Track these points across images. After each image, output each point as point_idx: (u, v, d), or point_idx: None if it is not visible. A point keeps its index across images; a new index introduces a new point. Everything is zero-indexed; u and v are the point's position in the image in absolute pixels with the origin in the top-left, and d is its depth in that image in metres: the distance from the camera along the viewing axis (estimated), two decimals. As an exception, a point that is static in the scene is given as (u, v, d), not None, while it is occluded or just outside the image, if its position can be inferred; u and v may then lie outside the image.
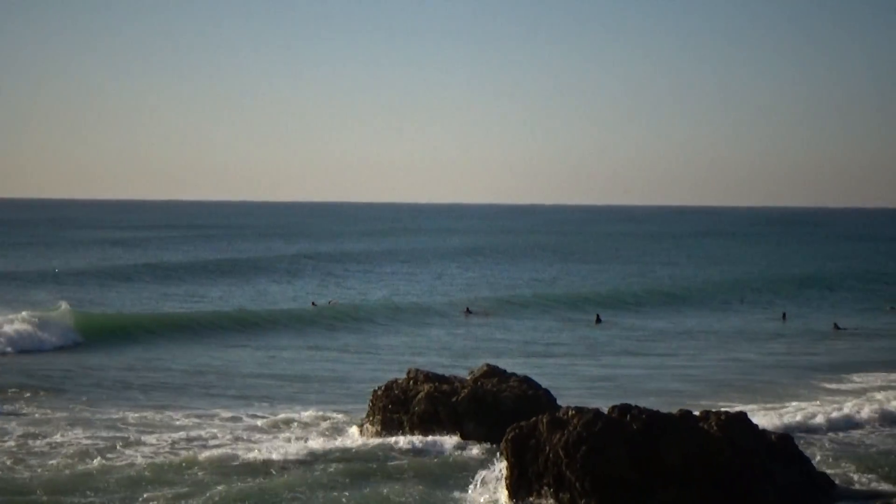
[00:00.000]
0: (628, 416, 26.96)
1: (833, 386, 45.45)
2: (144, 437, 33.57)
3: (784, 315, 69.24)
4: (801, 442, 31.05)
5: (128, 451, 31.73)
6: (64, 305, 61.60)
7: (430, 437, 33.25)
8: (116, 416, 37.09)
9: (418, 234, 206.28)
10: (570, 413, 27.29)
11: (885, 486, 28.22)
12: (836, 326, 67.47)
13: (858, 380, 47.04)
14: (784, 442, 28.14)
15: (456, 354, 54.56)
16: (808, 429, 36.15)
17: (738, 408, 37.86)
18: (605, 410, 27.33)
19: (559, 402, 33.32)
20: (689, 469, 26.39)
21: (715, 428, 27.13)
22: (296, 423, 36.16)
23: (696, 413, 27.79)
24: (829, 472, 28.54)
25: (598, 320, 71.93)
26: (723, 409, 28.14)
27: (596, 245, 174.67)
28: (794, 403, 40.26)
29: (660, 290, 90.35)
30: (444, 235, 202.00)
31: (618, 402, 27.88)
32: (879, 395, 41.98)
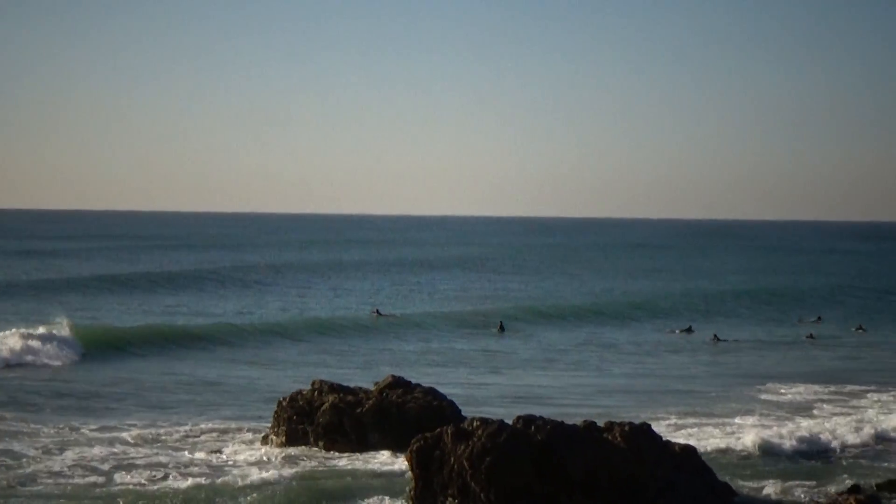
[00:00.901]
0: (533, 427, 27.00)
1: (766, 397, 46.01)
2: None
3: (715, 335, 69.72)
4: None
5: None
6: (65, 321, 60.71)
7: (334, 449, 33.09)
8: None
9: (370, 246, 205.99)
10: (474, 424, 27.27)
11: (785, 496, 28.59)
12: (716, 338, 68.28)
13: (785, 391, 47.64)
14: (688, 452, 28.33)
15: (361, 365, 54.40)
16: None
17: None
18: (510, 421, 27.33)
19: (464, 412, 33.28)
20: (594, 480, 26.49)
21: (619, 439, 27.26)
22: (201, 436, 35.77)
23: (601, 424, 27.89)
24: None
25: (502, 328, 72.38)
26: (626, 420, 28.23)
27: (516, 257, 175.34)
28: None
29: (569, 302, 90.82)
30: (394, 247, 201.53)
31: (523, 413, 27.90)
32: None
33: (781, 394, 46.86)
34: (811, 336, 70.98)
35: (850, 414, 41.09)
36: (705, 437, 35.64)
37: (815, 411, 42.19)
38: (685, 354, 62.29)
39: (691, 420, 39.50)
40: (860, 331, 75.30)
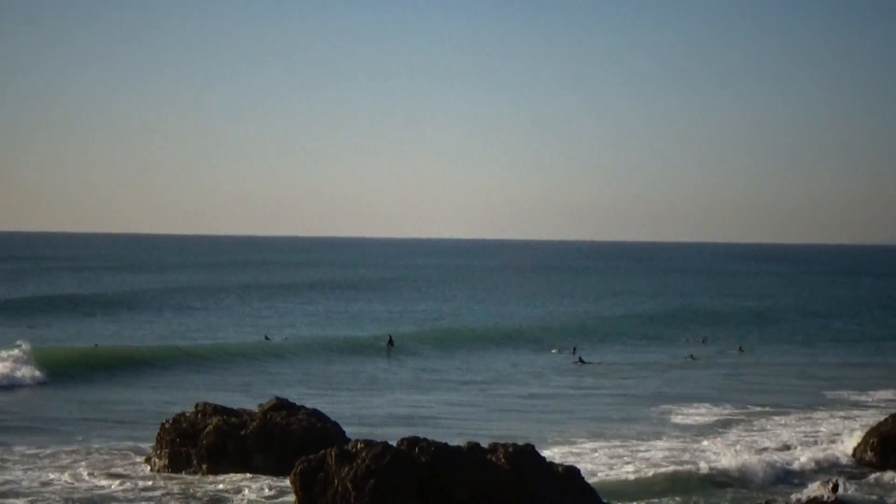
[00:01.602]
0: (417, 449, 27.04)
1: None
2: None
3: (580, 358, 70.20)
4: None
5: None
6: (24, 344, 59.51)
7: (218, 472, 32.85)
8: None
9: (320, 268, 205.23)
10: (358, 446, 27.24)
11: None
12: (581, 360, 68.95)
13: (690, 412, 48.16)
14: (571, 474, 28.53)
15: (243, 388, 54.12)
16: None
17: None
18: (395, 443, 27.36)
19: (349, 434, 33.24)
20: (478, 501, 26.57)
21: (503, 460, 27.38)
22: (89, 457, 35.33)
23: (485, 445, 28.01)
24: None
25: (391, 342, 72.87)
26: (511, 442, 28.36)
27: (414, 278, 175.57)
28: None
29: (463, 324, 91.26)
30: (301, 269, 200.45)
31: (407, 435, 27.95)
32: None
33: (685, 415, 47.30)
34: (691, 357, 71.95)
35: (757, 438, 41.63)
36: (628, 460, 36.04)
37: (727, 433, 42.53)
38: (570, 376, 62.83)
39: (601, 443, 39.58)
40: (740, 352, 76.49)
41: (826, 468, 35.78)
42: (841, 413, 48.28)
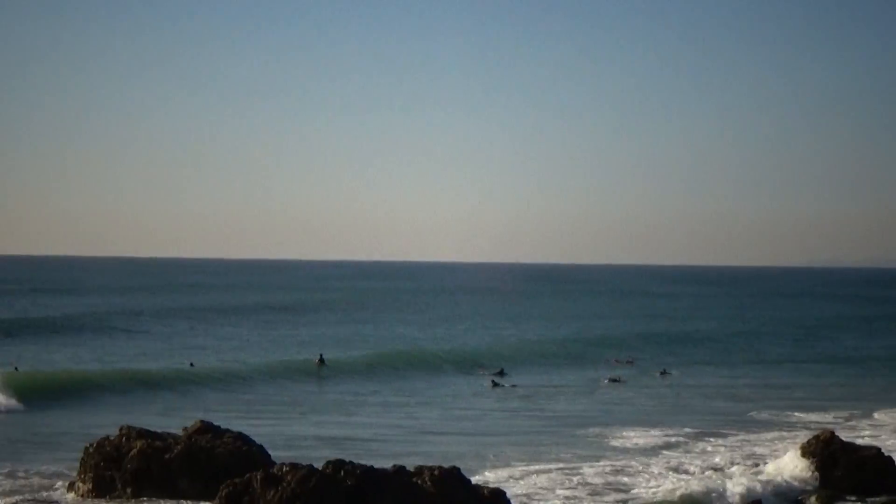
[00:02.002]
0: (342, 472, 27.14)
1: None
2: None
3: (493, 380, 70.40)
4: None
5: None
6: None
7: (142, 496, 32.70)
8: None
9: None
10: (284, 469, 27.29)
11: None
12: (494, 384, 69.13)
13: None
14: (497, 496, 28.73)
15: (170, 412, 53.85)
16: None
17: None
18: (320, 466, 27.41)
19: (274, 457, 33.17)
20: (403, 524, 26.70)
21: (429, 483, 27.54)
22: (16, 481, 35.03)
23: (411, 468, 28.13)
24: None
25: (321, 361, 72.94)
26: (436, 465, 28.51)
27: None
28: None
29: (389, 346, 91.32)
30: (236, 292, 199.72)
31: (333, 457, 28.00)
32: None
33: (623, 438, 47.49)
34: (611, 379, 72.41)
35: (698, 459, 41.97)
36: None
37: (671, 456, 42.74)
38: (495, 398, 63.07)
39: (539, 466, 39.58)
40: (663, 374, 77.08)
41: (763, 490, 36.15)
42: (771, 434, 48.79)
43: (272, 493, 26.74)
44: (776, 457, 40.72)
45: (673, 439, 47.13)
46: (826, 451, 37.74)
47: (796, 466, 37.88)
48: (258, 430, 42.79)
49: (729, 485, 36.31)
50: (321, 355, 75.54)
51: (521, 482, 36.37)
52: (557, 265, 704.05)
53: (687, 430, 49.85)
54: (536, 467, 39.32)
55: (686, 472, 39.06)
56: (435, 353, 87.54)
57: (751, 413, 56.39)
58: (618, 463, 40.80)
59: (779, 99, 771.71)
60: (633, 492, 35.29)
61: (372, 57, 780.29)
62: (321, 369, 72.62)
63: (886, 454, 38.56)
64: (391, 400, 61.44)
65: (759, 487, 36.22)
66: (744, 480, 36.89)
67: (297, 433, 47.84)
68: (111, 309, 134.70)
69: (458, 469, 28.29)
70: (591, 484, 36.49)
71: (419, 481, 27.50)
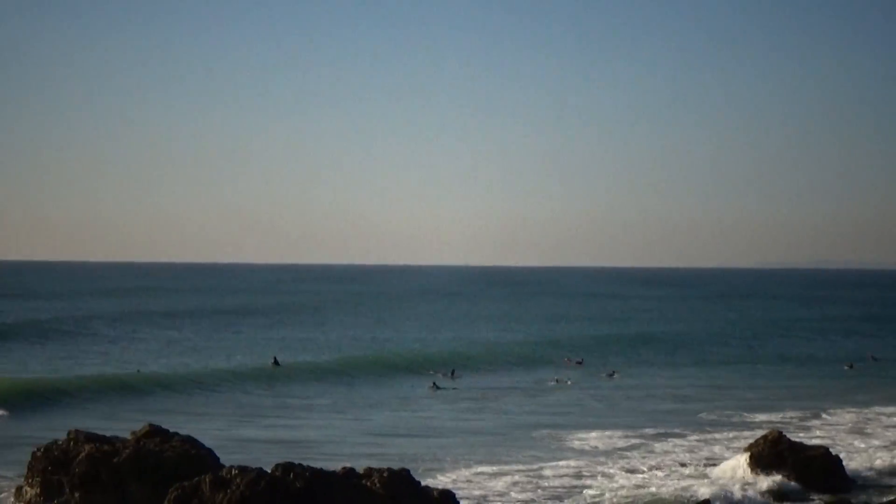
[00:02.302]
0: (291, 475, 27.12)
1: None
2: None
3: (434, 383, 70.41)
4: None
5: None
6: None
7: (91, 500, 32.51)
8: None
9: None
10: (233, 472, 27.25)
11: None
12: (435, 386, 68.69)
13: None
14: (446, 498, 28.79)
15: (118, 416, 53.58)
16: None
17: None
18: (269, 469, 27.38)
19: (224, 461, 33.05)
20: (353, 526, 26.72)
21: (378, 485, 27.57)
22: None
23: (360, 470, 28.16)
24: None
25: (276, 363, 73.02)
26: (386, 467, 28.55)
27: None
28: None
29: (342, 352, 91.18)
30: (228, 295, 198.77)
31: (282, 461, 27.97)
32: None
33: (579, 440, 47.62)
34: (557, 381, 72.61)
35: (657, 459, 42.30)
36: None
37: (626, 459, 42.82)
38: (442, 401, 63.10)
39: (490, 469, 39.59)
40: (611, 376, 77.34)
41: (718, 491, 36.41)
42: (721, 435, 49.06)
43: (221, 496, 26.69)
44: (726, 458, 41.08)
45: (627, 441, 47.27)
46: (774, 451, 38.10)
47: (744, 467, 38.21)
48: (208, 433, 42.68)
49: (684, 486, 36.62)
50: (275, 358, 75.50)
51: (479, 485, 36.54)
52: (513, 268, 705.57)
53: (641, 431, 50.04)
54: (493, 469, 39.45)
55: (642, 473, 39.20)
56: (388, 356, 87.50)
57: (701, 414, 56.68)
58: (574, 464, 40.98)
59: (723, 103, 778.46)
60: (590, 493, 35.45)
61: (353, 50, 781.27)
62: (275, 371, 72.46)
63: (834, 453, 39.00)
64: (343, 403, 61.43)
65: (710, 490, 36.51)
66: (699, 483, 37.22)
67: (248, 436, 47.75)
68: (59, 314, 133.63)
69: (408, 471, 28.35)
70: (550, 487, 36.60)
71: (368, 483, 27.53)
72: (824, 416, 56.12)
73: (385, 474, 27.78)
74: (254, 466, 27.53)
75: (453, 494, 28.92)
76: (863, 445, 46.14)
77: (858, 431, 50.66)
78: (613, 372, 79.00)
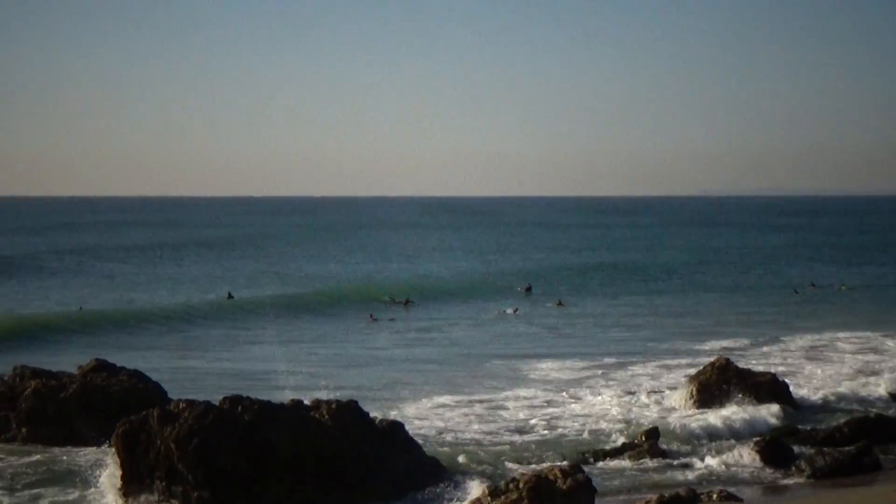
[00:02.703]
0: (239, 407, 27.10)
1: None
2: None
3: (371, 314, 70.60)
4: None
5: None
6: None
7: (38, 436, 32.45)
8: None
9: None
10: (181, 406, 27.19)
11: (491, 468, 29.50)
12: (372, 317, 69.32)
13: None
14: (394, 429, 28.88)
15: (63, 352, 53.32)
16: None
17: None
18: (217, 402, 27.35)
19: (171, 395, 33.03)
20: (302, 459, 26.77)
21: (326, 417, 27.61)
22: None
23: (308, 402, 28.18)
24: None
25: (230, 296, 72.81)
26: (334, 398, 28.59)
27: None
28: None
29: (296, 288, 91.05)
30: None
31: (230, 394, 27.93)
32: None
33: (536, 369, 47.85)
34: (506, 311, 72.98)
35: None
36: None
37: (589, 387, 43.01)
38: (392, 332, 63.20)
39: (452, 400, 39.74)
40: (559, 305, 77.77)
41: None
42: (672, 362, 49.43)
43: (169, 430, 26.63)
44: (674, 386, 41.43)
45: (580, 372, 47.27)
46: (721, 378, 38.43)
47: (691, 394, 38.55)
48: (156, 368, 42.60)
49: (633, 415, 36.94)
50: (229, 292, 75.16)
51: (440, 416, 36.80)
52: (464, 198, 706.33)
53: (594, 360, 50.13)
54: (452, 400, 39.59)
55: (593, 404, 39.40)
56: (336, 289, 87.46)
57: (650, 343, 56.89)
58: (531, 394, 41.21)
59: (677, 34, 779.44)
60: (543, 424, 35.73)
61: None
62: (227, 305, 72.10)
63: (781, 379, 39.39)
64: (293, 335, 61.34)
65: (657, 419, 36.80)
66: (646, 412, 37.54)
67: (197, 370, 47.68)
68: (4, 251, 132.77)
69: (356, 402, 28.39)
70: (511, 419, 36.80)
71: (317, 415, 27.56)
72: (771, 344, 56.44)
73: (333, 406, 27.81)
74: (199, 400, 27.48)
75: (402, 425, 29.02)
76: (812, 371, 46.60)
77: (809, 358, 51.09)
78: (561, 301, 79.11)
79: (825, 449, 31.28)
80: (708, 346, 55.34)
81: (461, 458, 30.03)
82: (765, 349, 54.24)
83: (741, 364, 40.99)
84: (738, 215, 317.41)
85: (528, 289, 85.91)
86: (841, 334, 58.67)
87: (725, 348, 53.61)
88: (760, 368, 42.54)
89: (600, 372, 47.15)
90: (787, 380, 40.10)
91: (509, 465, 30.04)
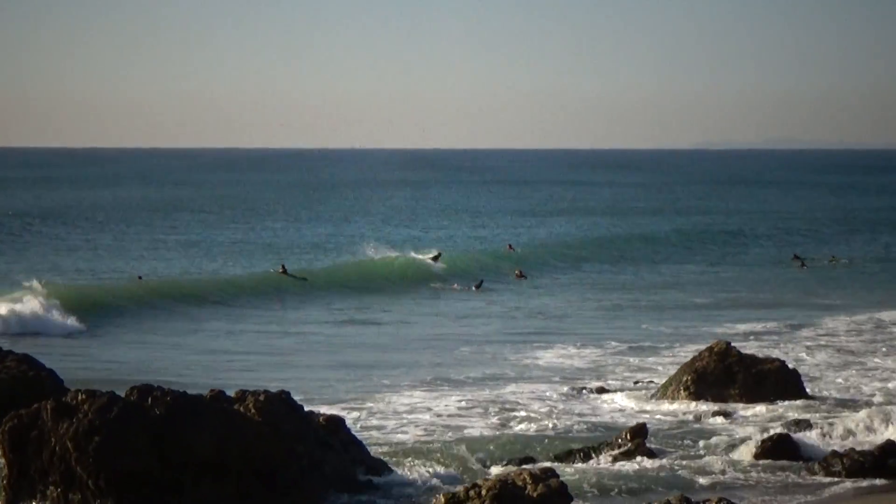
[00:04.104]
0: (150, 399, 26.78)
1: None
2: None
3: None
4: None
5: None
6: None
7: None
8: None
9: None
10: (80, 397, 26.81)
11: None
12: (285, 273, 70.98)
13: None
14: (334, 425, 28.68)
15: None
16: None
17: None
18: (123, 394, 27.05)
19: (67, 384, 32.51)
20: (224, 459, 26.52)
21: (253, 410, 27.35)
22: None
23: (232, 394, 27.93)
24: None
25: (284, 270, 72.80)
26: (263, 389, 28.33)
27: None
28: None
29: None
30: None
31: (139, 383, 27.61)
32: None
33: (524, 355, 48.07)
34: (457, 286, 73.98)
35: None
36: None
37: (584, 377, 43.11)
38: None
39: (459, 393, 39.89)
40: (519, 276, 78.50)
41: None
42: (663, 346, 49.94)
43: (66, 426, 26.29)
44: (668, 373, 41.37)
45: (568, 360, 47.31)
46: (721, 365, 38.35)
47: (676, 384, 38.52)
48: (47, 352, 42.22)
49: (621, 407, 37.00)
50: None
51: (426, 406, 37.24)
52: (441, 150, 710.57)
53: (580, 347, 50.15)
54: (458, 394, 39.72)
55: (576, 398, 39.40)
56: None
57: (644, 325, 56.91)
58: (532, 388, 41.04)
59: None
60: (528, 417, 35.86)
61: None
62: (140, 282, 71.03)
63: (791, 367, 39.33)
64: (213, 316, 60.95)
65: (649, 413, 36.87)
66: (637, 405, 37.62)
67: (96, 356, 47.49)
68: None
69: (288, 393, 28.16)
70: (479, 415, 36.77)
71: (242, 408, 27.31)
72: (782, 324, 56.62)
73: (261, 398, 27.54)
74: (102, 390, 27.11)
75: (342, 419, 28.86)
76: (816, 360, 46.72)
77: (815, 343, 51.28)
78: (521, 272, 79.38)
79: (842, 449, 31.16)
80: (707, 329, 55.35)
81: (415, 459, 29.82)
82: (775, 332, 54.33)
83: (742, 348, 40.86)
84: (763, 172, 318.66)
85: (522, 275, 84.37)
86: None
87: (741, 331, 53.75)
88: (766, 354, 42.53)
89: (585, 361, 47.12)
90: (798, 368, 40.07)
91: (473, 466, 29.83)
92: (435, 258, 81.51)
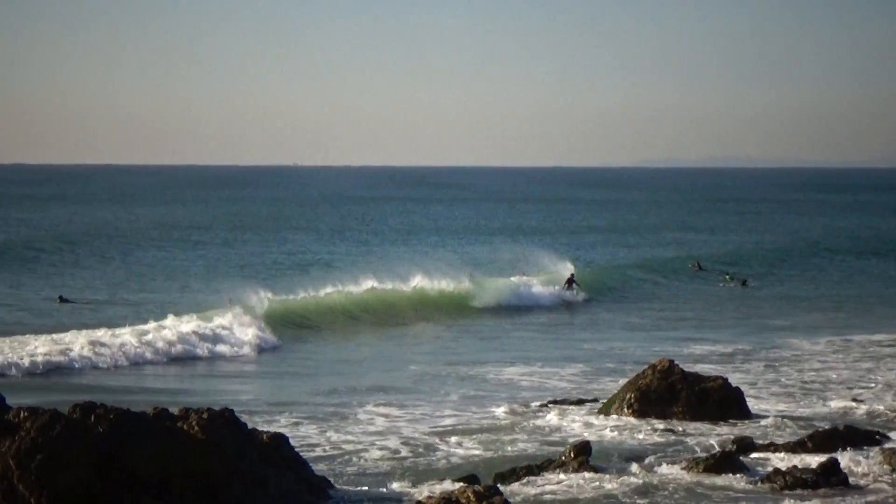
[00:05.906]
0: (93, 417, 26.86)
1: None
2: None
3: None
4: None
5: None
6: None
7: None
8: None
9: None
10: (21, 415, 26.86)
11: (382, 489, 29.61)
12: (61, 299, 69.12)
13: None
14: (277, 442, 28.85)
15: None
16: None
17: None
18: (66, 411, 27.10)
19: (8, 401, 32.52)
20: (167, 478, 26.61)
21: (196, 428, 27.48)
22: None
23: (175, 411, 28.05)
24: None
25: (62, 300, 71.75)
26: (206, 407, 28.49)
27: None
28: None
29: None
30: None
31: (82, 401, 27.69)
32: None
33: (485, 372, 48.51)
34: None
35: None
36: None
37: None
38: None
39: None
40: (470, 276, 78.47)
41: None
42: (607, 366, 50.15)
43: (7, 444, 26.33)
44: (610, 391, 41.72)
45: (523, 378, 47.71)
46: (665, 384, 38.75)
47: (620, 402, 38.89)
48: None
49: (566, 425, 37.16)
50: (61, 296, 72.08)
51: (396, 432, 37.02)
52: (433, 168, 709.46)
53: (538, 366, 50.44)
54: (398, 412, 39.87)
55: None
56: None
57: (585, 344, 57.24)
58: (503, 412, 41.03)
59: None
60: (478, 433, 36.12)
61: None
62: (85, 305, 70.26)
63: (734, 385, 39.72)
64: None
65: (590, 431, 37.11)
66: (582, 422, 37.86)
67: (37, 369, 47.31)
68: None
69: (232, 411, 28.33)
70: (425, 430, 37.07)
71: (185, 426, 27.44)
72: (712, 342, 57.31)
73: (204, 415, 27.70)
74: (44, 408, 27.17)
75: (286, 437, 29.01)
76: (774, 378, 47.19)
77: (763, 360, 51.79)
78: (471, 273, 79.60)
79: (784, 467, 31.53)
80: (655, 348, 55.74)
81: (359, 477, 30.02)
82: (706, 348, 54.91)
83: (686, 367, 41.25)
84: (687, 191, 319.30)
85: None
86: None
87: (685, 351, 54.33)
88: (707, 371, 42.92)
89: (531, 378, 47.49)
90: (741, 386, 40.46)
91: (416, 485, 30.01)
92: (569, 282, 78.86)
